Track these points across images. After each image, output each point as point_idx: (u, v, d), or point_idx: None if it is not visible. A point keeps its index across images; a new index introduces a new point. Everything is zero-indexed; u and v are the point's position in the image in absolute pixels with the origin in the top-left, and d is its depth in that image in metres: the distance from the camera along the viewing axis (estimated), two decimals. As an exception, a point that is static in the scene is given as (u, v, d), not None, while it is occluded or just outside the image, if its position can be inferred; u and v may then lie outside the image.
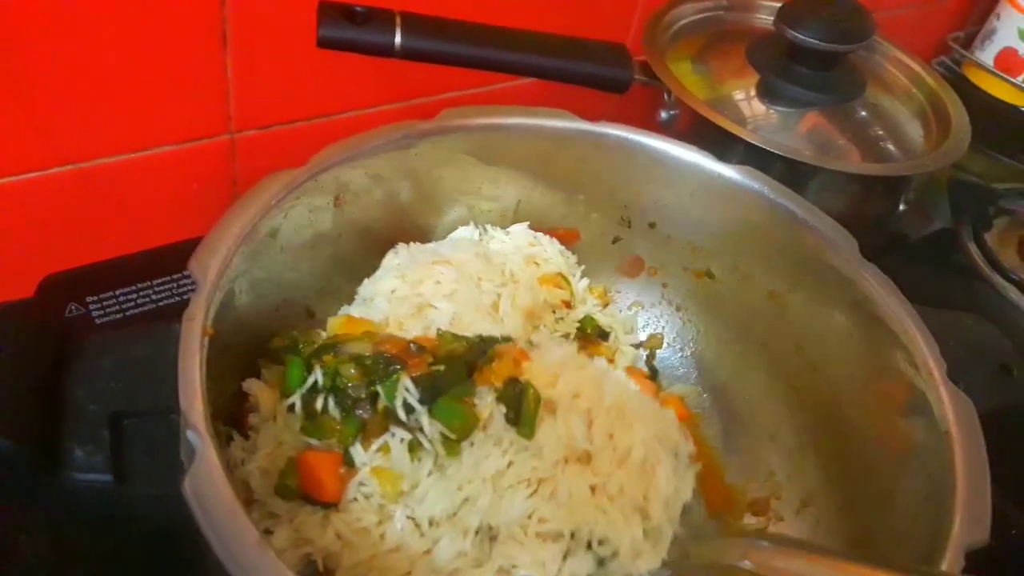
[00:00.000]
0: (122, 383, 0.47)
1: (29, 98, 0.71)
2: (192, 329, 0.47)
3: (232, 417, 0.58)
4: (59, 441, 0.45)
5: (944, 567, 0.47)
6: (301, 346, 0.60)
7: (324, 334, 0.62)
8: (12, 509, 0.57)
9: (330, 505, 0.55)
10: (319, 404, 0.56)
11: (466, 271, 0.66)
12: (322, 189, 0.60)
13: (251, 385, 0.59)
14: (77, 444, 0.45)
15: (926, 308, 0.59)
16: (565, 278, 0.73)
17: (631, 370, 0.72)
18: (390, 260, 0.67)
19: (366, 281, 0.66)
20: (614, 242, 0.76)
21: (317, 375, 0.56)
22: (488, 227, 0.72)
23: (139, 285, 0.79)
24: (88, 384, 0.47)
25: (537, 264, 0.72)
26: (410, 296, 0.64)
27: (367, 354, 0.57)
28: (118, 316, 0.76)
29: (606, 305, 0.76)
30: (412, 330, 0.62)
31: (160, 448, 0.47)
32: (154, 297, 0.78)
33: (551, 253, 0.73)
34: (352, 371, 0.56)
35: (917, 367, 0.57)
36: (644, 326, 0.78)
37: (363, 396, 0.56)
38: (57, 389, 0.46)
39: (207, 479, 0.41)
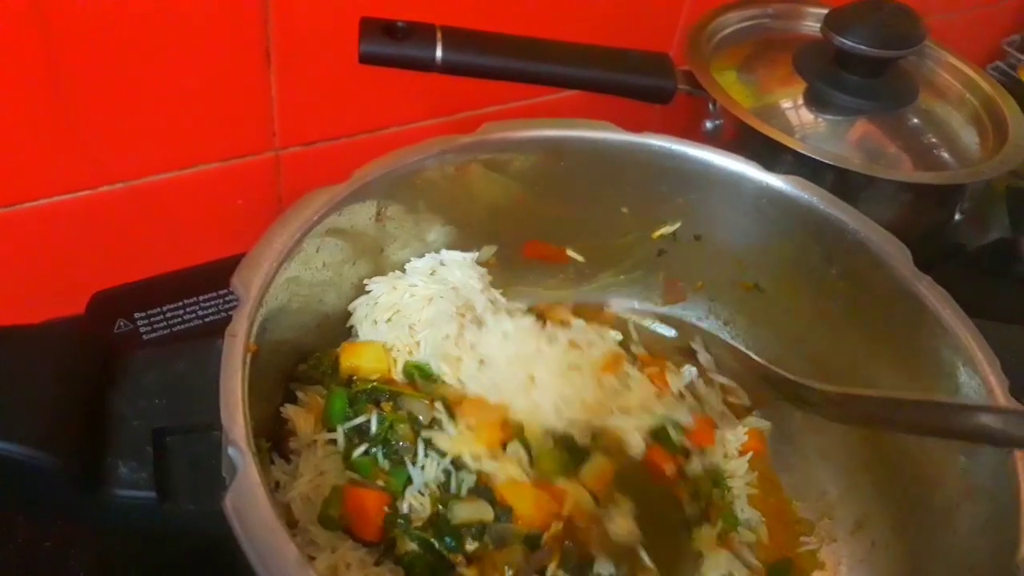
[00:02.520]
0: (165, 400, 0.47)
1: (78, 119, 0.73)
2: (235, 345, 0.46)
3: (273, 436, 0.58)
4: (103, 458, 0.45)
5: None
6: (355, 380, 0.60)
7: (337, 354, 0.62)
8: (61, 526, 0.58)
9: (372, 544, 0.53)
10: (365, 448, 0.56)
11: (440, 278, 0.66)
12: (363, 204, 0.60)
13: (289, 411, 0.58)
14: (121, 461, 0.46)
15: (987, 322, 0.57)
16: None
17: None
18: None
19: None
20: (659, 255, 0.74)
21: (372, 421, 0.57)
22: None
23: (186, 301, 0.80)
24: (132, 401, 0.47)
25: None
26: (396, 316, 0.63)
27: (421, 417, 0.57)
28: (165, 332, 0.77)
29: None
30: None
31: (203, 465, 0.47)
32: (200, 313, 0.80)
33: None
34: (407, 430, 0.57)
35: (978, 383, 0.55)
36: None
37: (411, 452, 0.56)
38: (101, 405, 0.47)
39: (248, 496, 0.41)
